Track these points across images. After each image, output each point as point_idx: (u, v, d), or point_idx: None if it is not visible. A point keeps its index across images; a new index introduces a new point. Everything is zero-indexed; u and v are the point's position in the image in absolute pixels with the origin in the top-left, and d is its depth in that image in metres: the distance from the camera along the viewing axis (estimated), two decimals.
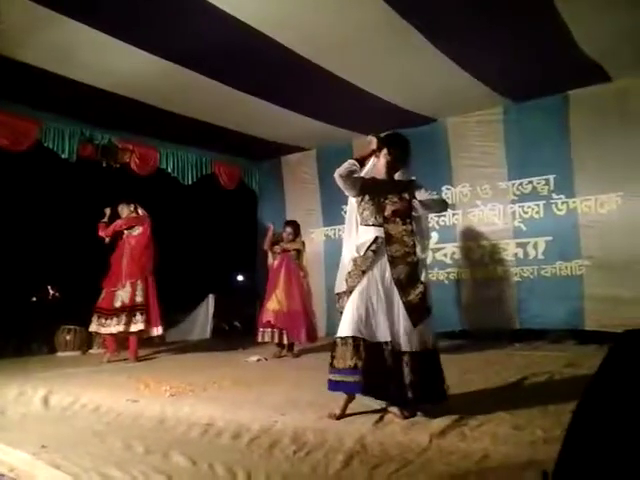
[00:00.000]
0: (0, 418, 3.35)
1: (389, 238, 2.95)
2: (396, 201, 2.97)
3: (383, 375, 2.80)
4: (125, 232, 5.83)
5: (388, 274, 2.92)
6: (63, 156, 5.82)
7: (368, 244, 2.96)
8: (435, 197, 3.10)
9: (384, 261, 2.93)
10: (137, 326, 5.53)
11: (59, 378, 4.44)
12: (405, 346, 2.83)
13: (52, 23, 3.92)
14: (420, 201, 2.99)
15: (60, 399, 3.67)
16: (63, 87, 4.92)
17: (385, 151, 3.06)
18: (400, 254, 2.93)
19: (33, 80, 4.80)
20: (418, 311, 2.88)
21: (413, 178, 3.12)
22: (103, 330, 5.58)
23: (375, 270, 2.93)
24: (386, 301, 2.89)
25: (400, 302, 2.88)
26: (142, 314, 5.56)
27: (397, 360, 2.82)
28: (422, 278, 2.96)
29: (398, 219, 2.96)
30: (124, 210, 5.87)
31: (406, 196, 2.99)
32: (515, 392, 3.43)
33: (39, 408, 3.57)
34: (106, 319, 5.52)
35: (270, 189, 7.98)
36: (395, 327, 2.86)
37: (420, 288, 2.91)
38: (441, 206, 3.17)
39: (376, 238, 2.96)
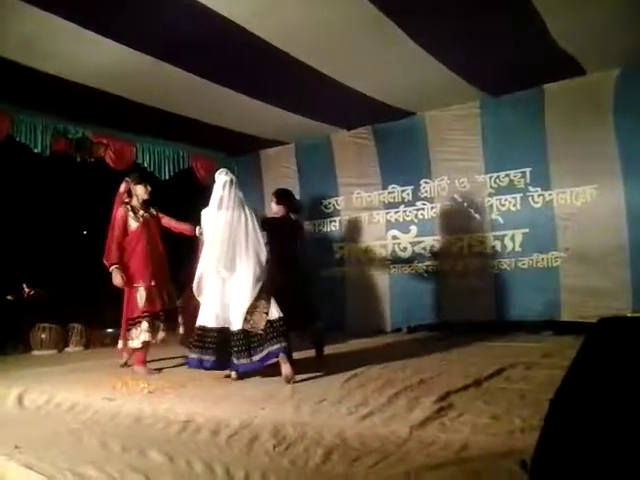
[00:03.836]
0: None
1: None
2: None
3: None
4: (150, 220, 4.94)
5: None
6: (36, 150, 5.65)
7: None
8: None
9: None
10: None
11: (34, 377, 4.35)
12: None
13: (19, 12, 3.79)
14: None
15: (35, 398, 3.59)
16: (35, 80, 4.77)
17: None
18: None
19: (2, 72, 4.66)
20: None
21: None
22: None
23: None
24: None
25: None
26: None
27: None
28: None
29: None
30: (140, 189, 4.88)
31: None
32: (493, 382, 3.46)
33: (13, 408, 3.48)
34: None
35: (249, 183, 7.84)
36: None
37: None
38: None
39: None
